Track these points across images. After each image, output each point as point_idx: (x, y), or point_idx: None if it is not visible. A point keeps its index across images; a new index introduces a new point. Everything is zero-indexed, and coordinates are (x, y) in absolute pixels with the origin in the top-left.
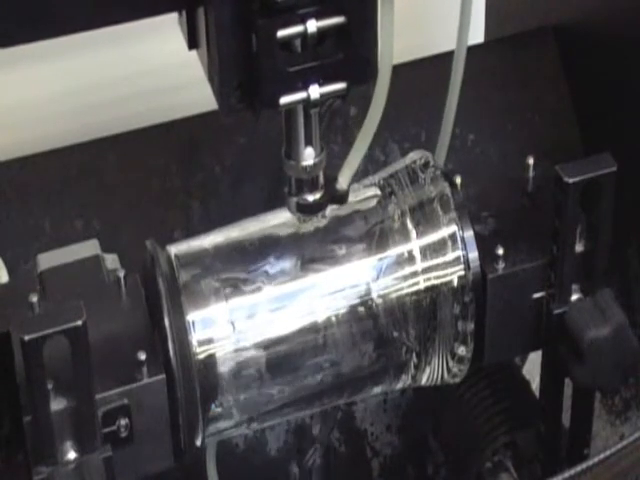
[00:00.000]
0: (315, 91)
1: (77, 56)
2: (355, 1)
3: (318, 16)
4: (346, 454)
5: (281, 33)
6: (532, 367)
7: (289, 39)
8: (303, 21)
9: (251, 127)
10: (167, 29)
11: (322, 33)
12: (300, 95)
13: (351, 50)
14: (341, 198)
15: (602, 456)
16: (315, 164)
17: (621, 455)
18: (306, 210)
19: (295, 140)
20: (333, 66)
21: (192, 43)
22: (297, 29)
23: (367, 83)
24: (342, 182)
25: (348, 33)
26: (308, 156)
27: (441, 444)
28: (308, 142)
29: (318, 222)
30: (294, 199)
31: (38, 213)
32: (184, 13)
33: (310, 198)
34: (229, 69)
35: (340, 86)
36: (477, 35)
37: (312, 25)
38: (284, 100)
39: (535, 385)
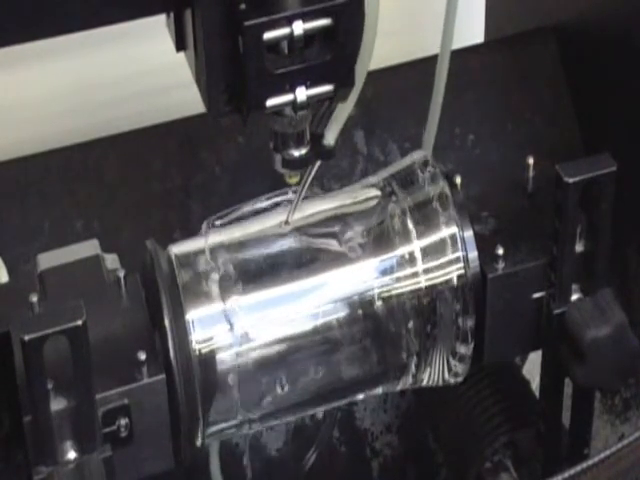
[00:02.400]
0: (302, 93)
1: (77, 56)
2: (342, 3)
3: (305, 18)
4: (346, 454)
5: (268, 35)
6: (532, 367)
7: (276, 41)
8: (290, 23)
9: (251, 127)
10: (167, 29)
11: (309, 35)
12: (287, 97)
13: (338, 52)
14: (328, 154)
15: (602, 456)
16: (300, 117)
17: (621, 455)
18: (291, 165)
19: None
20: (320, 68)
21: (180, 45)
22: (284, 31)
23: (354, 85)
24: (329, 138)
25: (335, 35)
26: None
27: (441, 444)
28: None
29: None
30: (279, 155)
31: (38, 213)
32: (172, 15)
33: (296, 153)
34: (216, 71)
35: (327, 88)
36: (477, 35)
37: (299, 27)
38: (271, 102)
39: (535, 385)
